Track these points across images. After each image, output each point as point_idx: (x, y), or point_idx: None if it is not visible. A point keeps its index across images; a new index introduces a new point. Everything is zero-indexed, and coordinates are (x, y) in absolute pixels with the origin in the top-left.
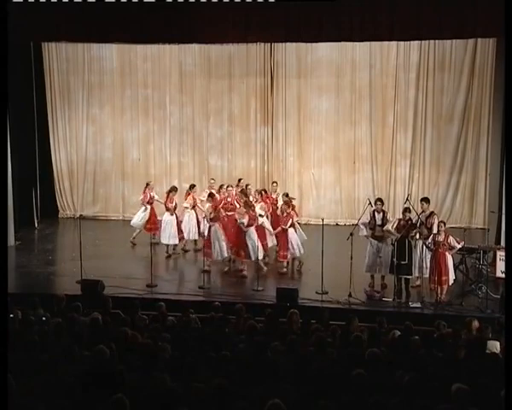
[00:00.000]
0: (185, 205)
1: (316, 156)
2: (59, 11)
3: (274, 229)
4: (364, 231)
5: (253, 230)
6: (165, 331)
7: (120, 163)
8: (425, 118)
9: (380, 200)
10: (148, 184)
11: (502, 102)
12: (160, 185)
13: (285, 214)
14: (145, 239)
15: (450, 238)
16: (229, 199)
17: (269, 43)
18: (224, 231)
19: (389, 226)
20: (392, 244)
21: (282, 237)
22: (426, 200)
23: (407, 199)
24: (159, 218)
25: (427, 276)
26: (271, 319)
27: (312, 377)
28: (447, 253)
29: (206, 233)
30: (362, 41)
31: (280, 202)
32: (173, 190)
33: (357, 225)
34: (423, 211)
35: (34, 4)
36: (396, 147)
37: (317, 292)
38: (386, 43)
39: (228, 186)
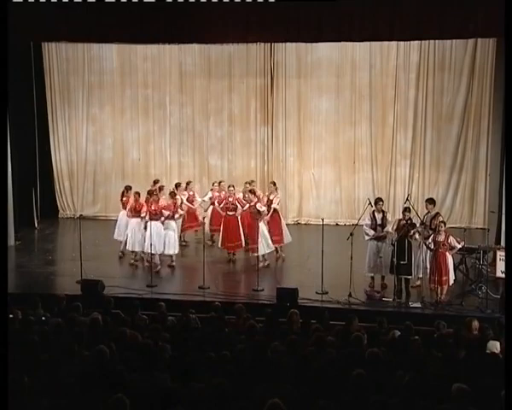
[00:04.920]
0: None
1: (316, 156)
2: (59, 11)
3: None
4: (371, 233)
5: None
6: (165, 331)
7: (120, 163)
8: (425, 118)
9: (379, 199)
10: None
11: (502, 102)
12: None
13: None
14: None
15: (451, 238)
16: (230, 199)
17: (269, 43)
18: (226, 229)
19: (389, 228)
20: (392, 244)
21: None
22: (431, 201)
23: (407, 199)
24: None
25: (427, 276)
26: (271, 319)
27: (312, 377)
28: (447, 253)
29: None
30: (362, 41)
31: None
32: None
33: (357, 225)
34: (428, 212)
35: (34, 4)
36: (396, 147)
37: (317, 292)
38: (386, 43)
39: (229, 186)
